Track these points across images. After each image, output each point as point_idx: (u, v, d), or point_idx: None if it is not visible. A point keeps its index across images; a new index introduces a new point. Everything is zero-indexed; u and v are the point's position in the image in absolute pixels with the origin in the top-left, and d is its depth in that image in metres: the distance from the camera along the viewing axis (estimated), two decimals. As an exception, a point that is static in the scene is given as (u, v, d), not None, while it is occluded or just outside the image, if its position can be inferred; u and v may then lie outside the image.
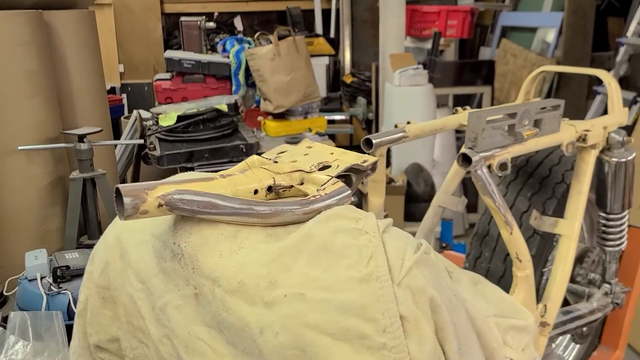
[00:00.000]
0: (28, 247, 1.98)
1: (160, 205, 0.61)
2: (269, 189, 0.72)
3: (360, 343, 0.54)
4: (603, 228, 1.38)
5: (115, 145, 3.32)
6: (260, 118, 3.57)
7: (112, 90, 4.76)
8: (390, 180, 3.41)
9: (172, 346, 0.65)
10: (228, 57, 3.66)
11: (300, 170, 0.74)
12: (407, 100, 3.53)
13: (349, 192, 0.70)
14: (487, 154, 0.96)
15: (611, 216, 1.36)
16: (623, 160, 1.29)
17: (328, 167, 0.74)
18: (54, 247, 2.23)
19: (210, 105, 3.45)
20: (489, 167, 0.97)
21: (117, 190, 0.59)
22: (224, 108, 3.47)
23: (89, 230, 2.34)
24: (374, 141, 1.05)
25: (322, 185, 0.71)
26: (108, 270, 0.73)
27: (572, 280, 1.43)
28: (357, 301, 0.55)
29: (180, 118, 3.29)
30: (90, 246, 2.17)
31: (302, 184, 0.74)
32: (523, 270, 1.04)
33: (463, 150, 0.94)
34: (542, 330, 1.16)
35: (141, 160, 3.57)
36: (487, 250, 1.35)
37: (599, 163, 1.31)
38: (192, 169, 2.94)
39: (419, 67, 3.66)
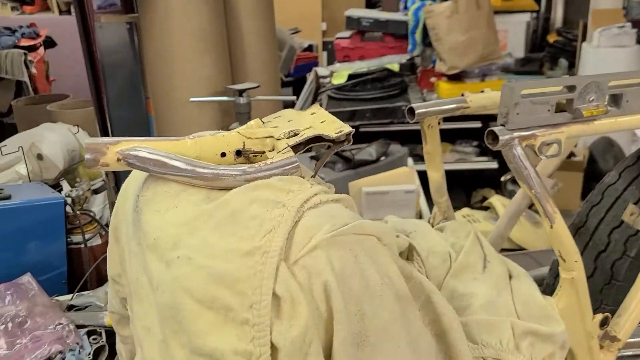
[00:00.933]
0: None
1: (118, 160, 0.68)
2: (238, 152, 0.75)
3: (225, 315, 0.55)
4: None
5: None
6: (433, 79, 3.47)
7: (310, 48, 5.03)
8: (570, 155, 3.05)
9: (130, 290, 0.74)
10: (407, 15, 3.60)
11: (271, 137, 0.75)
12: (604, 63, 3.07)
13: (296, 163, 0.69)
14: (525, 133, 0.83)
15: None
16: None
17: (297, 134, 0.74)
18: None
19: (382, 64, 3.45)
20: (532, 147, 0.84)
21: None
22: (395, 68, 3.45)
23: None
24: (416, 111, 0.98)
25: (279, 152, 0.71)
26: (117, 213, 0.84)
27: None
28: (233, 273, 0.56)
29: (350, 77, 3.38)
30: None
31: (273, 150, 0.75)
32: (568, 272, 0.88)
33: (492, 127, 0.83)
34: (609, 345, 0.99)
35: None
36: (580, 244, 1.17)
37: None
38: (355, 128, 3.02)
39: (626, 26, 3.14)
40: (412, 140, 3.04)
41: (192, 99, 2.43)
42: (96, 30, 2.41)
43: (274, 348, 0.54)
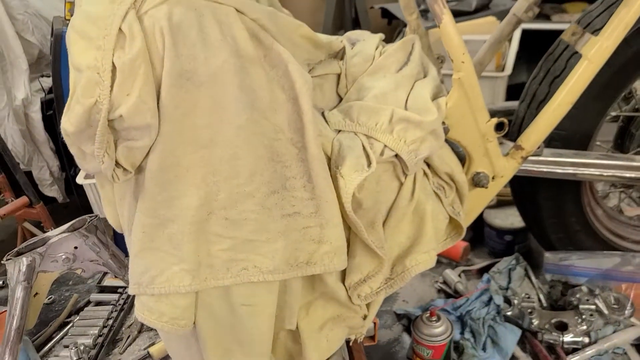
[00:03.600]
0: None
1: None
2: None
3: (90, 41, 0.79)
4: None
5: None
6: None
7: None
8: None
9: None
10: None
11: None
12: None
13: None
14: None
15: None
16: None
17: None
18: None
19: None
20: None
21: None
22: None
23: (344, 24, 2.73)
24: None
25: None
26: None
27: None
28: (98, 14, 0.79)
29: None
30: None
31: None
32: (456, 72, 0.96)
33: None
34: (513, 153, 1.05)
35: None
36: (544, 70, 1.17)
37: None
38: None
39: None
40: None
41: (298, -57, 2.58)
42: None
43: (114, 67, 0.78)
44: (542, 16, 2.80)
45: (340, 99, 1.09)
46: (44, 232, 2.00)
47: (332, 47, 1.10)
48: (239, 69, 0.83)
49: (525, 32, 2.33)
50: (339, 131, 0.99)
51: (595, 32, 1.03)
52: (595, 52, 0.97)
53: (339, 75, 1.09)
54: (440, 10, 0.92)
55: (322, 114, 1.02)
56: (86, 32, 0.79)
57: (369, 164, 0.93)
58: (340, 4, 2.68)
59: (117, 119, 0.78)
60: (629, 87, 1.16)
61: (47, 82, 2.38)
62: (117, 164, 0.82)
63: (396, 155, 0.95)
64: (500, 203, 1.70)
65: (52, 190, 2.47)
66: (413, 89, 1.02)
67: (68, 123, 0.80)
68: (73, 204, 2.51)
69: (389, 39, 2.77)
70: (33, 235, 2.10)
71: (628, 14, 0.98)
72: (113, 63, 0.77)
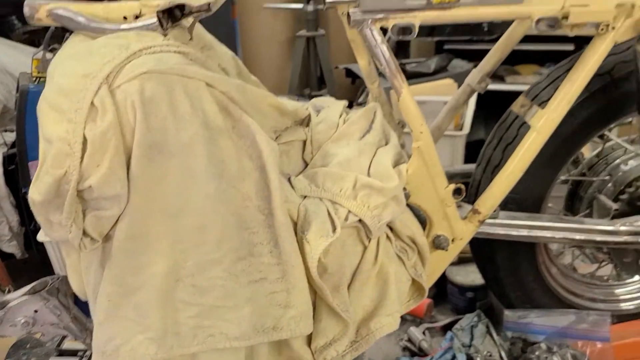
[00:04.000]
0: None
1: (47, 16, 0.96)
2: (136, 17, 0.99)
3: (61, 114, 0.81)
4: None
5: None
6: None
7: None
8: None
9: None
10: None
11: (158, 5, 0.98)
12: None
13: (153, 23, 0.91)
14: (377, 16, 0.96)
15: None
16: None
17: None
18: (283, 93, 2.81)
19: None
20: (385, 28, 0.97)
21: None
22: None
23: (310, 82, 2.82)
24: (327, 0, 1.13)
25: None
26: None
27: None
28: (71, 87, 0.81)
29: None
30: (312, 96, 2.67)
31: (162, 17, 0.99)
32: (415, 141, 1.02)
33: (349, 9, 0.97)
34: (471, 217, 1.11)
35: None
36: (497, 137, 1.25)
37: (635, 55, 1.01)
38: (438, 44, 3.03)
39: None
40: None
41: (265, 6, 2.68)
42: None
43: (85, 139, 0.80)
44: (497, 77, 2.96)
45: (306, 165, 1.12)
46: (1, 290, 1.94)
47: (298, 114, 1.15)
48: (209, 140, 0.85)
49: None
50: (305, 197, 1.02)
51: (542, 104, 1.11)
52: (543, 124, 1.05)
53: (304, 142, 1.13)
54: (399, 84, 0.98)
55: (289, 180, 1.06)
56: (58, 105, 0.81)
57: (334, 229, 0.96)
58: (306, 63, 2.77)
59: (86, 189, 0.80)
60: (576, 154, 1.24)
61: (10, 136, 2.36)
62: (85, 233, 0.83)
63: (360, 220, 0.99)
64: (461, 260, 1.75)
65: (11, 246, 2.40)
66: (375, 155, 1.07)
67: (36, 193, 0.80)
68: (32, 260, 2.45)
69: (352, 97, 2.86)
70: (-12, 294, 2.03)
71: (572, 88, 1.06)
72: (84, 135, 0.79)
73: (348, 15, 0.98)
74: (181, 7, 0.95)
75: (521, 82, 3.05)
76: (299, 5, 2.65)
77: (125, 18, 0.97)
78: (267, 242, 0.91)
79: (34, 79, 2.05)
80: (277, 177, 0.91)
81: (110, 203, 0.81)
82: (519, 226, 1.16)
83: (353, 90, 2.87)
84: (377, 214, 0.99)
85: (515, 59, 3.06)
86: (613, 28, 0.98)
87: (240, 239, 0.88)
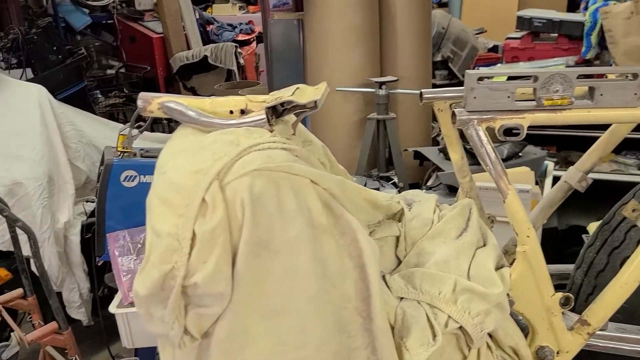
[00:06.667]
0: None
1: (159, 108, 1.00)
2: (242, 111, 1.02)
3: (172, 208, 0.81)
4: None
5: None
6: (605, 83, 3.25)
7: (494, 48, 4.97)
8: None
9: None
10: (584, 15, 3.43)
11: (264, 102, 1.00)
12: None
13: (262, 119, 0.92)
14: (484, 116, 0.94)
15: None
16: None
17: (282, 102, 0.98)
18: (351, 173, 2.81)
19: (546, 66, 3.36)
20: (493, 129, 0.95)
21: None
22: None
23: (378, 163, 2.82)
24: (424, 95, 1.12)
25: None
26: None
27: None
28: (182, 183, 0.82)
29: (509, 79, 3.34)
30: (380, 177, 2.66)
31: (267, 111, 1.00)
32: (521, 245, 0.96)
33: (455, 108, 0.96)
34: (579, 328, 1.02)
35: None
36: (601, 239, 1.17)
37: None
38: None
39: None
40: (574, 146, 2.95)
41: (337, 89, 2.74)
42: (269, 24, 2.87)
43: (194, 235, 0.80)
44: (569, 163, 2.87)
45: (399, 262, 1.09)
46: (68, 359, 1.93)
47: (390, 208, 1.12)
48: (313, 239, 0.84)
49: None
50: (401, 298, 0.97)
51: (656, 208, 1.04)
52: (660, 231, 0.98)
53: (397, 238, 1.10)
54: (505, 186, 0.95)
55: (383, 277, 1.02)
56: (169, 200, 0.82)
57: (434, 336, 0.90)
58: (375, 144, 2.78)
59: (191, 285, 0.78)
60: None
61: (90, 206, 2.45)
62: (185, 330, 0.81)
63: (460, 327, 0.93)
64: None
65: (79, 313, 2.43)
66: (475, 257, 1.02)
67: (142, 286, 0.80)
68: (96, 327, 2.47)
69: (419, 179, 2.82)
70: None
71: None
72: (193, 231, 0.79)
73: (453, 113, 0.96)
74: (287, 102, 0.97)
75: (596, 170, 2.94)
76: (371, 90, 2.69)
77: (231, 112, 0.99)
78: (364, 347, 0.86)
79: (119, 153, 2.15)
80: (377, 280, 0.88)
81: (214, 300, 0.79)
82: (630, 340, 1.06)
83: (421, 172, 2.84)
84: (479, 322, 0.93)
85: (588, 147, 2.99)
86: None
87: (339, 342, 0.84)
